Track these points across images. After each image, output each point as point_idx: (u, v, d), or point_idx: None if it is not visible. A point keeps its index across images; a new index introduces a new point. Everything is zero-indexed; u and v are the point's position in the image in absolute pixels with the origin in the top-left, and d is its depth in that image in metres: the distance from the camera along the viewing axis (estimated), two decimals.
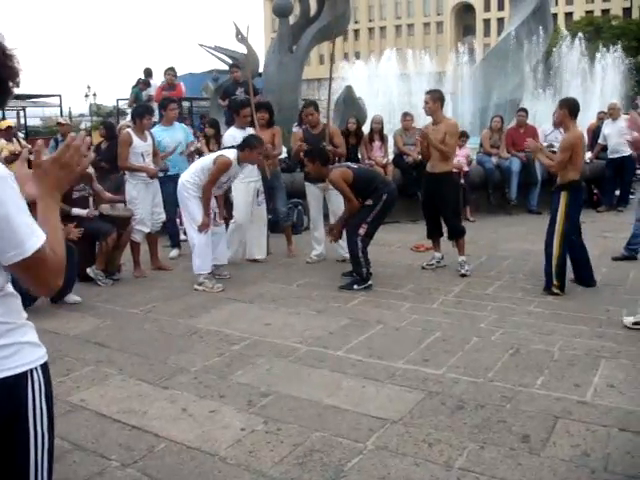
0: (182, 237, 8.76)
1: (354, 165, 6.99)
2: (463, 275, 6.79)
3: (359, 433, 3.41)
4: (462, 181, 10.16)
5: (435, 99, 6.86)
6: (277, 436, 3.40)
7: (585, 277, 6.33)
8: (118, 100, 26.76)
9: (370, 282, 6.35)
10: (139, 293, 6.48)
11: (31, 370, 1.72)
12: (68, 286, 6.13)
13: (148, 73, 12.91)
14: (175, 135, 7.76)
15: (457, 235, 6.99)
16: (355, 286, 6.32)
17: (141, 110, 7.57)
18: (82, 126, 40.16)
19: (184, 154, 7.86)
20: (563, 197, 6.02)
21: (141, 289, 6.65)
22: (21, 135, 11.17)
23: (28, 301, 5.91)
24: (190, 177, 6.59)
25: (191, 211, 6.62)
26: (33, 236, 1.60)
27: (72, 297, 6.16)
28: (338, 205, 7.56)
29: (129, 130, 7.37)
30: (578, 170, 6.15)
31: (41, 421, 1.74)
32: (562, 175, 6.07)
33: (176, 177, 7.33)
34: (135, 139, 7.14)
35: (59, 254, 1.65)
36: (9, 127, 10.60)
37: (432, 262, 7.17)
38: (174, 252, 8.15)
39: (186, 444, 3.34)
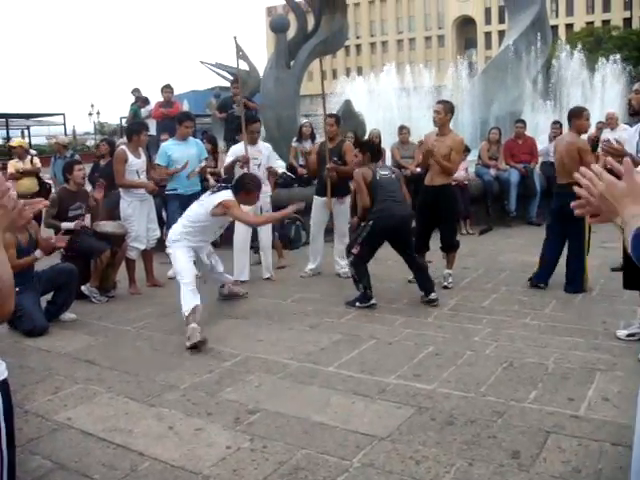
0: None
1: (383, 171, 6.61)
2: (445, 287, 6.73)
3: (346, 450, 3.35)
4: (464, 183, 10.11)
5: (447, 110, 6.74)
6: (262, 454, 3.35)
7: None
8: (121, 118, 26.93)
9: (373, 301, 6.16)
10: (133, 310, 6.44)
11: None
12: (65, 304, 6.11)
13: (139, 98, 12.96)
14: (187, 150, 7.56)
15: (452, 248, 6.93)
16: (357, 303, 6.20)
17: (136, 127, 7.59)
18: (88, 143, 40.48)
19: (191, 177, 7.56)
20: None
21: (135, 306, 6.61)
22: (33, 153, 11.16)
23: (50, 315, 5.93)
24: (181, 229, 6.03)
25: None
26: None
27: (67, 315, 6.13)
28: (344, 222, 7.55)
29: (123, 147, 7.35)
30: None
31: None
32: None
33: (184, 196, 7.40)
34: (130, 156, 7.14)
35: (5, 280, 1.61)
36: (21, 146, 10.64)
37: None
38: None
39: (170, 463, 3.29)
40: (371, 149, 6.73)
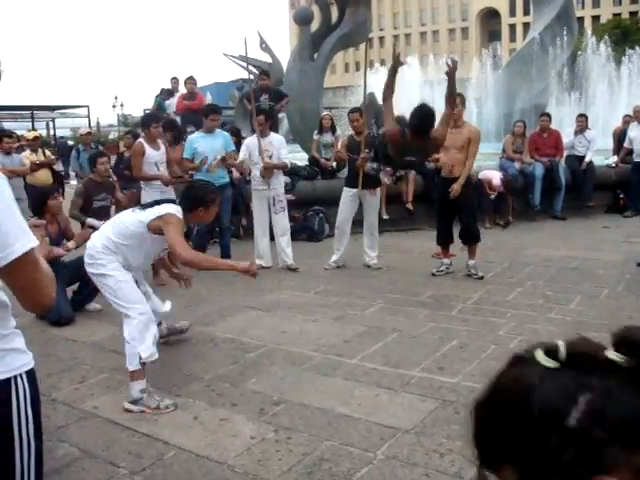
0: None
1: None
2: (481, 277, 6.76)
3: (370, 442, 3.36)
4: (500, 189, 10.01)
5: (462, 102, 6.82)
6: (287, 445, 3.37)
7: None
8: (145, 110, 27.06)
9: None
10: None
11: (15, 377, 1.70)
12: (91, 295, 6.18)
13: (169, 92, 13.00)
14: (213, 143, 7.60)
15: (474, 240, 6.92)
16: None
17: (147, 119, 7.69)
18: (110, 136, 40.79)
19: (210, 170, 7.53)
20: None
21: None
22: (49, 149, 11.30)
23: (76, 305, 6.00)
24: (104, 242, 4.21)
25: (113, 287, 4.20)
26: (24, 237, 1.58)
27: (93, 305, 6.20)
28: (374, 214, 7.56)
29: (141, 140, 7.43)
30: None
31: (26, 427, 1.72)
32: None
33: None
34: (147, 149, 7.21)
35: (48, 269, 1.65)
36: (36, 137, 10.73)
37: (442, 268, 7.07)
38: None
39: (195, 452, 3.32)
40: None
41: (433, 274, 7.03)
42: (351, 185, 7.55)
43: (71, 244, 5.98)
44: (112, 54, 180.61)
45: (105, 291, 4.24)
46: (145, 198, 7.32)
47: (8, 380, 1.68)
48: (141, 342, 3.98)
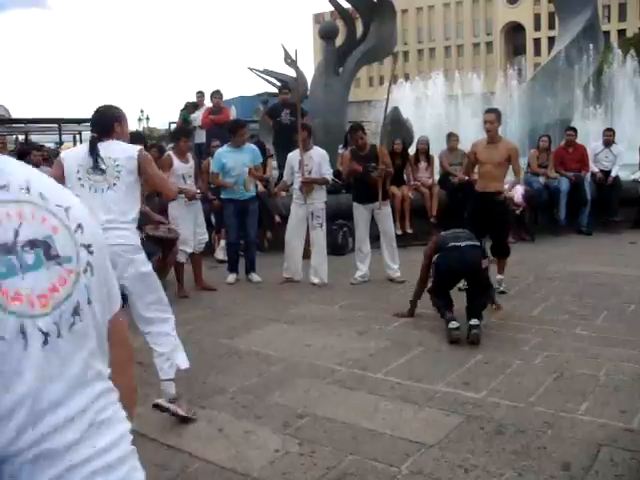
0: (222, 257, 8.87)
1: None
2: (502, 292, 6.71)
3: (394, 457, 3.35)
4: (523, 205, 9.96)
5: (499, 118, 6.82)
6: (311, 458, 3.37)
7: None
8: (170, 123, 27.30)
9: (451, 325, 5.36)
10: (182, 313, 6.51)
11: None
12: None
13: (195, 106, 13.17)
14: (240, 157, 7.62)
15: (504, 254, 6.89)
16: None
17: (178, 133, 7.83)
18: None
19: (246, 188, 7.64)
20: None
21: (184, 309, 6.70)
22: None
23: None
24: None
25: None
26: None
27: None
28: (389, 225, 7.62)
29: (170, 152, 7.55)
30: None
31: None
32: None
33: (238, 201, 7.71)
34: (175, 161, 7.30)
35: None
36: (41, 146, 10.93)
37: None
38: (232, 277, 7.99)
39: (220, 464, 3.34)
40: None
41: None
42: (360, 200, 7.62)
43: None
44: (138, 67, 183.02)
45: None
46: (171, 211, 7.43)
47: None
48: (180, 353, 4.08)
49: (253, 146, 8.19)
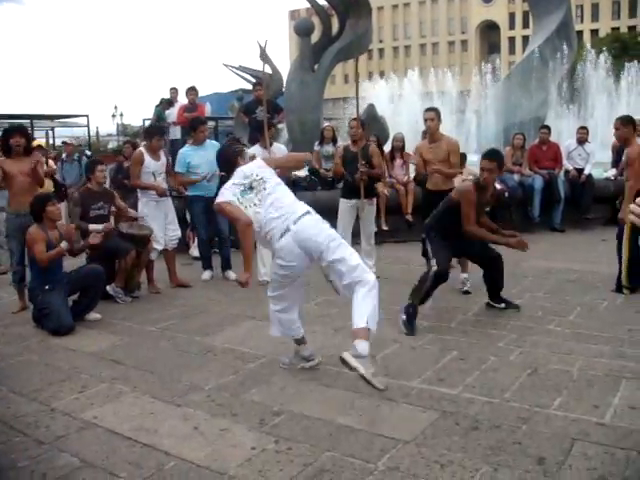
0: (196, 254, 8.81)
1: None
2: (466, 292, 6.74)
3: (370, 453, 3.35)
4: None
5: (438, 116, 7.00)
6: (287, 455, 3.36)
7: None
8: (144, 120, 27.07)
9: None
10: (157, 311, 6.50)
11: None
12: (91, 305, 6.19)
13: (169, 102, 13.07)
14: (205, 155, 7.52)
15: None
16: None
17: (151, 131, 7.76)
18: (109, 145, 40.83)
19: (211, 180, 7.57)
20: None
21: (159, 307, 6.67)
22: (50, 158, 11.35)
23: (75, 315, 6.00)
24: None
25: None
26: None
27: (92, 315, 6.20)
28: (371, 222, 7.62)
29: (141, 149, 7.51)
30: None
31: None
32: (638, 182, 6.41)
33: (209, 198, 7.49)
34: (147, 158, 7.27)
35: None
36: (39, 146, 10.76)
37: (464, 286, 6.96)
38: (207, 274, 7.95)
39: (195, 463, 3.31)
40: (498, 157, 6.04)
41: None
42: (347, 196, 7.60)
43: (63, 244, 5.99)
44: (112, 64, 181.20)
45: None
46: (141, 208, 7.38)
47: None
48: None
49: (215, 142, 8.16)
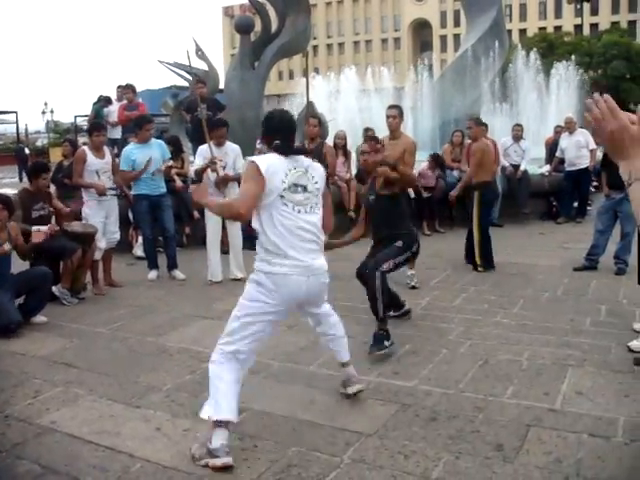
0: (140, 253, 8.73)
1: None
2: (413, 287, 6.86)
3: (335, 447, 3.42)
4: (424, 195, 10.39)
5: (401, 114, 7.07)
6: (254, 453, 3.40)
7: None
8: (76, 117, 26.43)
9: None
10: (105, 311, 6.40)
11: None
12: (37, 308, 6.05)
13: (108, 100, 12.83)
14: (150, 153, 7.50)
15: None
16: (385, 342, 4.94)
17: (90, 128, 7.68)
18: (38, 143, 39.65)
19: (156, 174, 7.56)
20: (477, 195, 7.73)
21: (107, 307, 6.57)
22: None
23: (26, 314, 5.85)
24: None
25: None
26: None
27: (39, 317, 6.06)
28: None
29: (84, 147, 7.41)
30: (488, 172, 7.95)
31: None
32: (480, 176, 7.73)
33: (152, 197, 7.55)
34: (90, 156, 7.17)
35: None
36: None
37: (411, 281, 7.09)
38: (153, 274, 7.84)
39: (162, 463, 3.31)
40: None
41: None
42: None
43: (6, 245, 5.85)
44: (41, 59, 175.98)
45: None
46: (84, 207, 7.25)
47: None
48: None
49: (160, 141, 8.09)
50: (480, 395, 4.05)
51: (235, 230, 7.67)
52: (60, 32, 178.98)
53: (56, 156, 10.73)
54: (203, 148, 7.53)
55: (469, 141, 11.67)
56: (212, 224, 7.55)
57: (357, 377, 4.06)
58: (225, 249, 7.81)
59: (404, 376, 4.43)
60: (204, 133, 7.59)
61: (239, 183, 7.34)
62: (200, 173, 7.53)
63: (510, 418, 3.72)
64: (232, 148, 7.66)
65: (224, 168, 7.43)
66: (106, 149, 7.49)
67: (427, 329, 5.52)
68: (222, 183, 7.37)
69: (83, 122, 23.03)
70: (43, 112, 43.19)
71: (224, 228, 7.67)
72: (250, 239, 8.43)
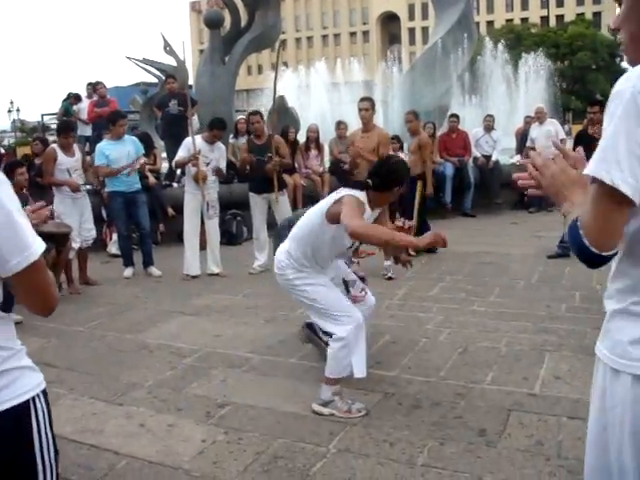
0: (114, 251, 8.68)
1: None
2: (390, 278, 6.94)
3: (321, 437, 3.45)
4: None
5: (373, 106, 7.12)
6: (239, 445, 3.41)
7: None
8: (43, 115, 26.03)
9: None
10: (82, 310, 6.35)
11: (33, 397, 1.57)
12: (9, 306, 5.96)
13: (77, 97, 12.69)
14: (124, 149, 7.48)
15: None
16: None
17: (59, 129, 7.61)
18: (4, 142, 39.02)
19: (131, 174, 7.51)
20: (419, 184, 8.17)
21: (84, 306, 6.51)
22: None
23: None
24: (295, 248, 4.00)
25: (314, 294, 3.91)
26: (37, 239, 1.49)
27: (13, 316, 5.96)
28: (287, 214, 7.67)
29: (54, 146, 7.35)
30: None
31: (48, 453, 1.58)
32: (416, 168, 7.84)
33: (127, 193, 7.49)
34: (60, 155, 7.12)
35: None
36: None
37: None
38: (128, 271, 7.79)
39: (148, 460, 3.30)
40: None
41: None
42: (257, 191, 7.67)
43: None
44: (6, 57, 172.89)
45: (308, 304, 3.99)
46: (57, 205, 7.17)
47: (27, 402, 1.55)
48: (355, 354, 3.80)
49: (134, 137, 8.04)
50: (461, 382, 4.11)
51: (213, 226, 7.68)
52: (25, 29, 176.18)
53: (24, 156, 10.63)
54: (189, 140, 7.52)
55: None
56: (190, 218, 7.58)
57: None
58: (202, 245, 7.79)
59: (385, 365, 4.47)
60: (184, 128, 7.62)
61: (221, 177, 7.51)
62: (181, 165, 7.62)
63: (491, 404, 3.78)
64: (219, 147, 7.71)
65: (207, 164, 7.47)
66: (76, 147, 7.46)
67: (406, 319, 5.57)
68: (202, 179, 7.39)
69: (50, 120, 22.68)
70: (9, 111, 42.49)
71: (202, 223, 7.68)
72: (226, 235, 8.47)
